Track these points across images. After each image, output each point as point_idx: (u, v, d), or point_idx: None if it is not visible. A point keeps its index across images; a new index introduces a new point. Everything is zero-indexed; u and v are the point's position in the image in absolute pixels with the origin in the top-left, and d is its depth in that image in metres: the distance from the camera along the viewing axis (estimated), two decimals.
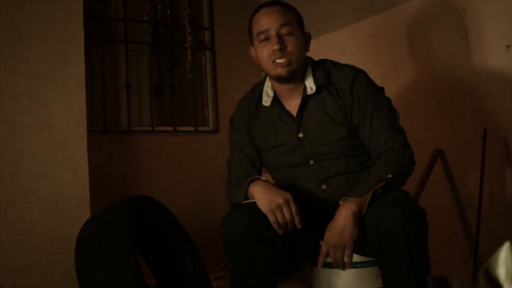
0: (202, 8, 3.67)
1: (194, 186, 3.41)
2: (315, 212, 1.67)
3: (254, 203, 1.56)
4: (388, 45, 2.78)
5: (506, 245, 0.56)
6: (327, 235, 1.50)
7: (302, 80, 1.67)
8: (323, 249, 1.51)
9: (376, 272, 1.59)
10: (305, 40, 1.70)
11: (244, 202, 1.62)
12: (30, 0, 2.43)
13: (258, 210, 1.54)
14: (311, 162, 1.67)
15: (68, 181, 2.44)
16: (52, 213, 2.39)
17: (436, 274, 0.55)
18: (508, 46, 2.21)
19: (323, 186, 1.67)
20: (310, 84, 1.66)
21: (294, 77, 1.64)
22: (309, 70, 1.69)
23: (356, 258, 1.60)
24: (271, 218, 1.51)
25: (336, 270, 1.60)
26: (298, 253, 1.68)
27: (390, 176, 1.51)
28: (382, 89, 1.70)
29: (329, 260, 1.62)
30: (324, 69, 1.69)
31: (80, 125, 2.49)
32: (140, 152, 3.26)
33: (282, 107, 1.71)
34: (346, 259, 1.49)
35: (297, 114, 1.67)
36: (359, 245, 1.57)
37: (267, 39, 1.62)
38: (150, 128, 3.34)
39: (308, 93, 1.65)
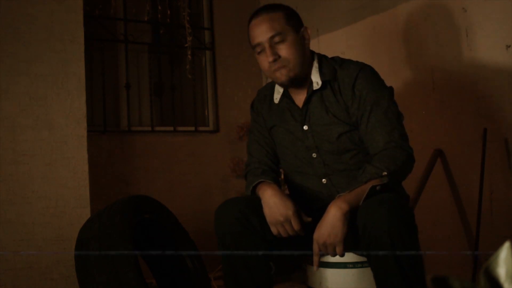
0: (202, 8, 3.67)
1: (194, 186, 3.41)
2: (316, 207, 1.68)
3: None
4: (388, 45, 2.78)
5: (506, 245, 0.56)
6: (316, 234, 1.51)
7: (308, 75, 1.70)
8: (315, 248, 1.52)
9: None
10: (302, 37, 1.69)
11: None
12: (30, 0, 2.43)
13: (251, 202, 1.59)
14: (314, 155, 1.70)
15: (68, 181, 2.44)
16: (52, 213, 2.39)
17: (436, 274, 0.55)
18: (508, 46, 2.21)
19: (324, 180, 1.70)
20: (316, 79, 1.68)
21: (296, 80, 1.67)
22: (315, 65, 1.70)
23: (356, 258, 1.60)
24: (273, 231, 1.57)
25: (336, 270, 1.60)
26: (294, 247, 1.67)
27: (385, 173, 1.49)
28: (388, 88, 1.70)
29: (328, 260, 1.62)
30: (332, 66, 1.71)
31: (80, 125, 2.49)
32: (140, 152, 3.25)
33: (290, 101, 1.75)
34: (338, 251, 1.49)
35: (302, 107, 1.70)
36: (356, 243, 1.58)
37: (262, 51, 1.66)
38: (150, 128, 3.33)
39: (314, 88, 1.68)
